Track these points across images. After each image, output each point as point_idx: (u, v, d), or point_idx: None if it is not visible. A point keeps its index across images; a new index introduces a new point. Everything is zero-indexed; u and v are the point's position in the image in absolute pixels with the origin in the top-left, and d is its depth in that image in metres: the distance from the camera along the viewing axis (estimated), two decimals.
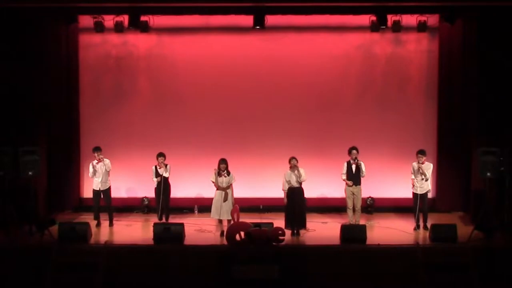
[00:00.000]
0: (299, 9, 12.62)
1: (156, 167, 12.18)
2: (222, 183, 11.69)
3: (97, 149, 12.20)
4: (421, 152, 11.85)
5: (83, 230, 10.92)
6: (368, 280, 10.33)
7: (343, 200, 12.47)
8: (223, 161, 11.69)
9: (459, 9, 12.40)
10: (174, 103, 13.74)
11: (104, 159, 12.24)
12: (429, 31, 13.24)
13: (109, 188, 12.35)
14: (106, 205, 12.31)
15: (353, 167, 12.00)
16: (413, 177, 11.91)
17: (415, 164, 11.90)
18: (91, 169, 12.22)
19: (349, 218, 12.16)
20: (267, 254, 10.24)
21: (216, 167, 11.69)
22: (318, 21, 13.30)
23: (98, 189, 12.23)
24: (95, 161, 12.21)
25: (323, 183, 13.46)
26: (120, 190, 13.11)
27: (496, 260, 10.37)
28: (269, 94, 13.66)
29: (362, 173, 11.97)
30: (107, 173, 12.27)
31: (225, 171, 11.67)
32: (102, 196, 12.26)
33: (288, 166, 11.71)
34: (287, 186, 11.66)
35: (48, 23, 12.85)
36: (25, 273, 10.32)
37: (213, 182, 11.74)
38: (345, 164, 12.06)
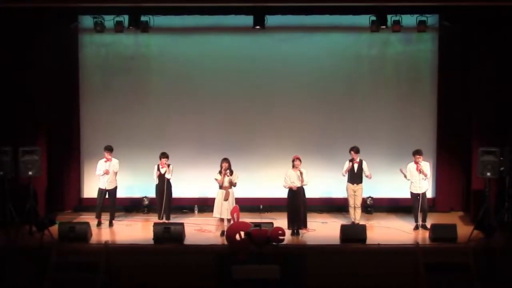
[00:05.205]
0: (298, 9, 12.62)
1: (158, 166, 12.19)
2: (224, 182, 11.71)
3: (107, 148, 12.22)
4: (420, 152, 11.88)
5: (83, 230, 10.93)
6: (368, 280, 10.34)
7: (344, 199, 12.53)
8: (224, 160, 11.73)
9: (459, 9, 12.40)
10: (175, 102, 13.72)
11: (113, 159, 12.25)
12: (429, 31, 13.24)
13: (115, 188, 12.37)
14: (110, 204, 12.31)
15: (355, 166, 12.04)
16: (409, 179, 11.92)
17: (412, 165, 11.92)
18: (98, 168, 12.22)
19: (351, 216, 12.21)
20: (267, 254, 10.24)
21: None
22: (316, 21, 13.29)
23: (104, 188, 12.22)
24: (104, 160, 12.21)
25: (324, 183, 13.47)
26: (120, 190, 13.07)
27: (496, 260, 10.38)
28: (271, 94, 13.65)
29: (366, 173, 12.04)
30: (114, 173, 12.28)
31: (228, 171, 11.69)
32: (107, 196, 12.24)
33: (291, 165, 11.71)
34: (289, 182, 11.64)
35: (48, 23, 12.84)
36: (25, 273, 10.33)
37: (216, 180, 11.76)
38: (347, 162, 12.11)
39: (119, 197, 12.95)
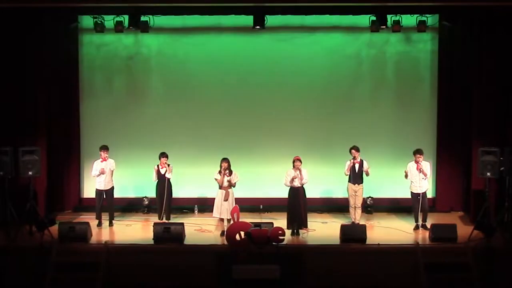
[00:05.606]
0: (298, 9, 12.62)
1: (158, 166, 12.18)
2: (224, 182, 11.71)
3: (104, 147, 12.22)
4: (420, 152, 11.88)
5: (83, 230, 10.93)
6: (368, 280, 10.35)
7: (345, 199, 12.56)
8: (224, 160, 11.72)
9: (459, 9, 12.40)
10: (175, 102, 13.72)
11: (109, 159, 12.25)
12: (429, 31, 13.24)
13: (112, 188, 12.35)
14: (108, 205, 12.30)
15: (356, 165, 12.04)
16: (410, 178, 11.92)
17: (412, 165, 11.91)
18: (94, 168, 12.21)
19: (351, 216, 12.22)
20: (267, 254, 10.23)
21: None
22: (316, 21, 13.31)
23: (101, 188, 12.22)
24: (100, 160, 12.21)
25: (324, 183, 13.49)
26: (120, 190, 13.09)
27: (496, 260, 10.38)
28: (270, 94, 13.64)
29: (366, 172, 12.05)
30: (111, 173, 12.28)
31: (227, 171, 11.69)
32: (104, 196, 12.24)
33: (291, 165, 11.70)
34: (289, 180, 11.64)
35: (48, 23, 12.84)
36: (25, 273, 10.33)
37: (216, 180, 11.76)
38: (348, 162, 12.11)
39: (120, 197, 12.99)
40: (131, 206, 13.54)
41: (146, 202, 13.36)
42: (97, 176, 12.20)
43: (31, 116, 12.78)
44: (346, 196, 12.40)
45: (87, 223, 11.20)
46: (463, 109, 13.18)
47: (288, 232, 11.32)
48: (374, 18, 12.76)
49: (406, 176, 11.96)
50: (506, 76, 12.39)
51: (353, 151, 12.07)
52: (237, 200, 11.86)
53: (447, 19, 12.99)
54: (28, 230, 11.41)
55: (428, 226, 11.56)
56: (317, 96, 13.65)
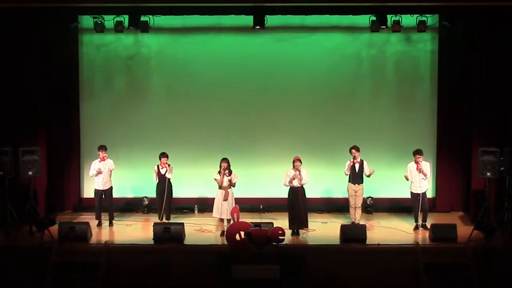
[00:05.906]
0: (298, 9, 12.62)
1: (158, 167, 12.18)
2: (223, 182, 11.71)
3: (102, 147, 12.21)
4: (420, 152, 11.87)
5: (83, 230, 10.93)
6: (368, 280, 10.35)
7: (345, 199, 12.56)
8: (223, 160, 11.72)
9: (459, 9, 12.40)
10: (175, 102, 13.73)
11: (108, 159, 12.25)
12: (429, 31, 13.24)
13: (111, 188, 12.35)
14: (108, 205, 12.30)
15: (356, 165, 12.04)
16: (410, 178, 11.92)
17: (412, 165, 11.92)
18: (92, 168, 12.21)
19: (352, 216, 12.22)
20: (267, 254, 10.23)
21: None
22: (316, 21, 13.33)
23: (99, 189, 12.22)
24: (98, 160, 12.21)
25: (324, 183, 13.49)
26: (120, 190, 13.10)
27: (496, 260, 10.38)
28: (270, 94, 13.65)
29: (366, 173, 12.05)
30: (110, 173, 12.28)
31: (227, 171, 11.69)
32: (104, 196, 12.24)
33: (291, 165, 11.69)
34: (288, 180, 11.63)
35: (48, 23, 12.84)
36: (25, 273, 10.33)
37: (215, 180, 11.76)
38: (348, 162, 12.11)
39: (120, 197, 13.01)
40: (131, 206, 13.56)
41: (146, 202, 13.36)
42: (95, 176, 12.21)
43: (31, 116, 12.77)
44: (346, 196, 12.41)
45: (87, 223, 11.20)
46: (463, 109, 13.19)
47: (288, 232, 11.32)
48: (374, 18, 12.77)
49: (406, 179, 11.95)
50: (506, 76, 12.38)
51: (353, 150, 12.08)
52: (237, 200, 11.86)
53: (447, 19, 12.99)
54: (28, 230, 11.41)
55: (428, 226, 11.56)
56: (317, 96, 13.66)
